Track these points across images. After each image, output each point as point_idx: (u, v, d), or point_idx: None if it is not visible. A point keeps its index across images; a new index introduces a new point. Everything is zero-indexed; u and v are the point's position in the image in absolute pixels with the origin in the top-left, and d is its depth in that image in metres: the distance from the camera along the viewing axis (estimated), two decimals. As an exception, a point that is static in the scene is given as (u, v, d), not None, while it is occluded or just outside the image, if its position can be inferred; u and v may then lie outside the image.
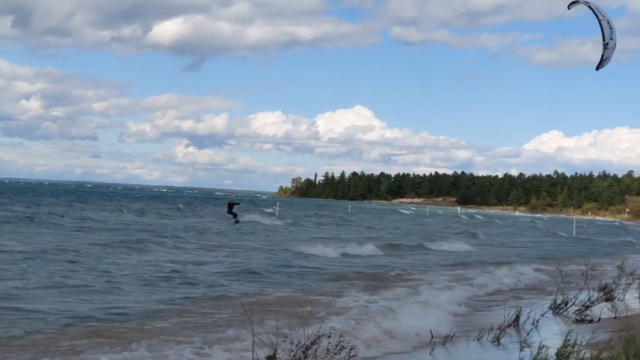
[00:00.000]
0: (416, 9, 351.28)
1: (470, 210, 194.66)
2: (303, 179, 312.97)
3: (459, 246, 41.17)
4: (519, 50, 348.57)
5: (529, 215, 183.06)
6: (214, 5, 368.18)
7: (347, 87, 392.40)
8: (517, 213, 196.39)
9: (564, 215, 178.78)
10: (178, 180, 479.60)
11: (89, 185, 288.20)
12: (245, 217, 61.62)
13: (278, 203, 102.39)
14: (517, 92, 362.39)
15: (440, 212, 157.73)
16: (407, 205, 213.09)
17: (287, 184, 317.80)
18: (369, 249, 35.11)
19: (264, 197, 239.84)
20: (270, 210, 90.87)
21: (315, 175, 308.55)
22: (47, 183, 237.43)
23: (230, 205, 58.53)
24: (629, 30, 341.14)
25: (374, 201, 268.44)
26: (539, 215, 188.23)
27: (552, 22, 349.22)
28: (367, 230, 59.79)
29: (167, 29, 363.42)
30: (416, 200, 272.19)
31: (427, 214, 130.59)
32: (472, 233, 59.69)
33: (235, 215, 56.71)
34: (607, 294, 17.98)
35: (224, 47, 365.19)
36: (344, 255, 32.06)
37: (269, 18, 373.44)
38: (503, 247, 45.72)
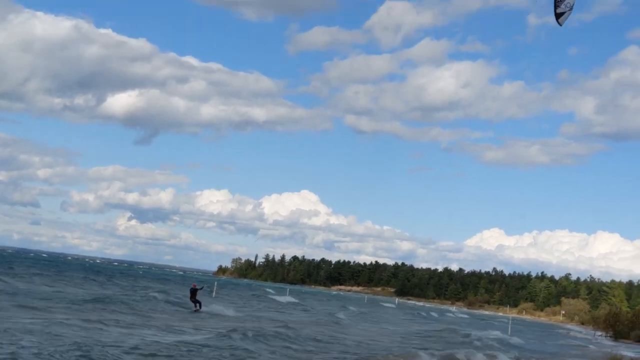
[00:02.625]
0: (370, 99, 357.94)
1: (428, 305, 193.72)
2: (243, 260, 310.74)
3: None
4: (469, 147, 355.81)
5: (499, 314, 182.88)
6: (171, 80, 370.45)
7: (295, 171, 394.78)
8: (454, 308, 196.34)
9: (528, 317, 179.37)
10: (117, 252, 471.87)
11: (44, 255, 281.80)
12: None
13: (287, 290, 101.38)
14: (464, 187, 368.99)
15: (420, 304, 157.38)
16: (389, 298, 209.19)
17: (228, 263, 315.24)
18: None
19: (222, 278, 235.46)
20: (288, 299, 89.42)
21: (256, 257, 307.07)
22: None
23: (194, 292, 50.95)
24: (576, 136, 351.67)
25: (312, 286, 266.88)
26: (498, 314, 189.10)
27: (502, 123, 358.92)
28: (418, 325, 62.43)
29: (121, 101, 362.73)
30: (355, 288, 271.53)
31: (423, 313, 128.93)
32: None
33: (199, 304, 50.14)
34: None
35: (176, 122, 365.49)
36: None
37: (224, 97, 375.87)
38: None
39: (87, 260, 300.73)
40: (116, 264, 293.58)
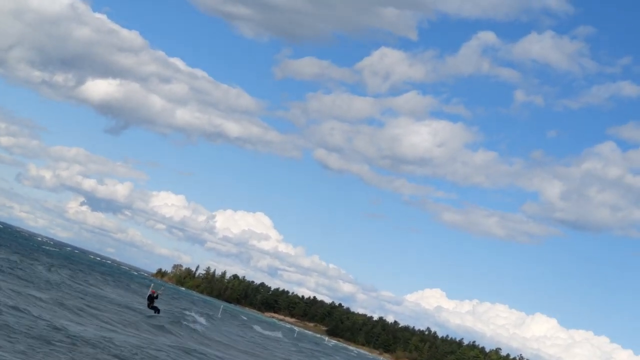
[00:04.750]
0: (344, 138, 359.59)
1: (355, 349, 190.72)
2: (184, 268, 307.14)
3: None
4: (429, 205, 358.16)
5: None
6: (153, 78, 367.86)
7: (255, 191, 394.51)
8: (381, 358, 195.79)
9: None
10: (61, 234, 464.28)
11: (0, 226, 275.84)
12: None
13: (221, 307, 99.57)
14: (416, 242, 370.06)
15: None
16: (351, 348, 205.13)
17: (169, 268, 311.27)
18: None
19: (166, 283, 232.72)
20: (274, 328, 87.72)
21: (197, 268, 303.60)
22: None
23: (152, 298, 48.24)
24: (536, 216, 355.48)
25: (247, 308, 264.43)
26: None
27: (467, 188, 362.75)
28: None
29: (100, 87, 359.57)
30: (288, 319, 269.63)
31: None
32: None
33: (156, 310, 47.63)
34: None
35: (150, 120, 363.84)
36: None
37: (202, 105, 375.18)
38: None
39: (38, 239, 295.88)
40: (69, 249, 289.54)
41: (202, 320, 60.18)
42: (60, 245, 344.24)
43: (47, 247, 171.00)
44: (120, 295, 62.82)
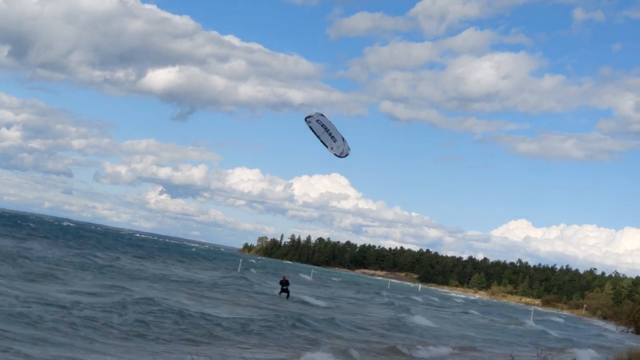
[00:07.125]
0: (408, 87, 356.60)
1: (445, 292, 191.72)
2: (269, 239, 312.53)
3: None
4: (502, 139, 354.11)
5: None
6: (211, 59, 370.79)
7: (327, 153, 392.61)
8: (476, 296, 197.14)
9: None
10: (145, 225, 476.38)
11: (86, 226, 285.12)
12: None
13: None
14: (494, 178, 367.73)
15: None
16: (457, 294, 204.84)
17: (254, 242, 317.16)
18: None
19: (253, 256, 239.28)
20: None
21: (282, 237, 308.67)
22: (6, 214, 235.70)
23: (287, 282, 51.51)
24: (612, 133, 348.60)
25: (337, 268, 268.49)
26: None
27: (539, 116, 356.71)
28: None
29: (161, 77, 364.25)
30: (379, 272, 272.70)
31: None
32: None
33: (287, 293, 50.96)
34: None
35: (213, 100, 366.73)
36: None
37: (263, 78, 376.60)
38: None
39: (138, 234, 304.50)
40: (167, 240, 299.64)
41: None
42: (151, 235, 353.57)
43: (155, 246, 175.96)
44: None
